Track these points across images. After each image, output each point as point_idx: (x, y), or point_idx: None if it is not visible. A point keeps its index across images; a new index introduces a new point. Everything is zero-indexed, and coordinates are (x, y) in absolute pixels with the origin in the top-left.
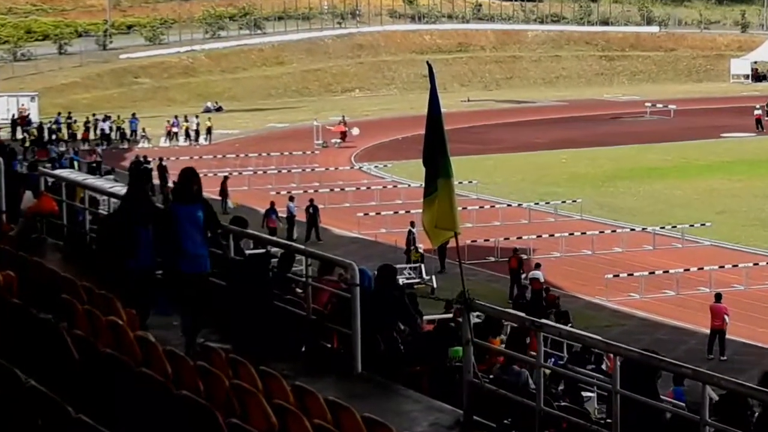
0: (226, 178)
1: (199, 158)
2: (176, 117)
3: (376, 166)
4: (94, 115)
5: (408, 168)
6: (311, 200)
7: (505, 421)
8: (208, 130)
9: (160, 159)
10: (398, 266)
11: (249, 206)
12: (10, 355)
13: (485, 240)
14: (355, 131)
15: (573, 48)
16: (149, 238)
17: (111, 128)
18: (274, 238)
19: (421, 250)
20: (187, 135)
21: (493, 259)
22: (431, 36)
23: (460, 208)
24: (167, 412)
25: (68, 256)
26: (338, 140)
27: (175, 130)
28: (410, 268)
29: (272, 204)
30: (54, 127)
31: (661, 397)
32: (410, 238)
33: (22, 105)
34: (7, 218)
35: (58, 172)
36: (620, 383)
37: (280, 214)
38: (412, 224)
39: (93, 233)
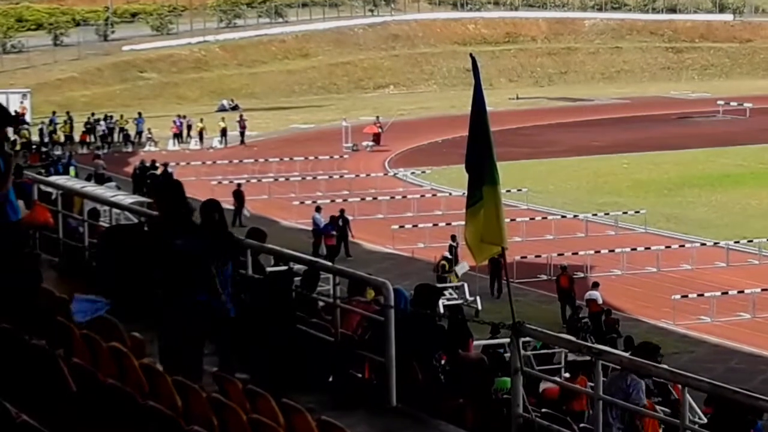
0: (239, 185)
1: (213, 163)
2: (179, 116)
3: (412, 173)
4: (93, 114)
5: (449, 174)
6: (341, 211)
7: None
8: (223, 132)
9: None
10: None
11: (269, 217)
12: (0, 387)
13: (536, 256)
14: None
15: (636, 39)
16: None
17: (113, 129)
18: (298, 254)
19: (464, 269)
20: (200, 137)
21: (545, 277)
22: (475, 25)
23: (507, 220)
24: None
25: (64, 274)
26: (370, 143)
27: (177, 130)
28: (453, 287)
29: (333, 218)
30: (49, 128)
31: None
32: (452, 255)
33: (22, 104)
34: None
35: (53, 179)
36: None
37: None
38: (453, 238)
39: (93, 248)
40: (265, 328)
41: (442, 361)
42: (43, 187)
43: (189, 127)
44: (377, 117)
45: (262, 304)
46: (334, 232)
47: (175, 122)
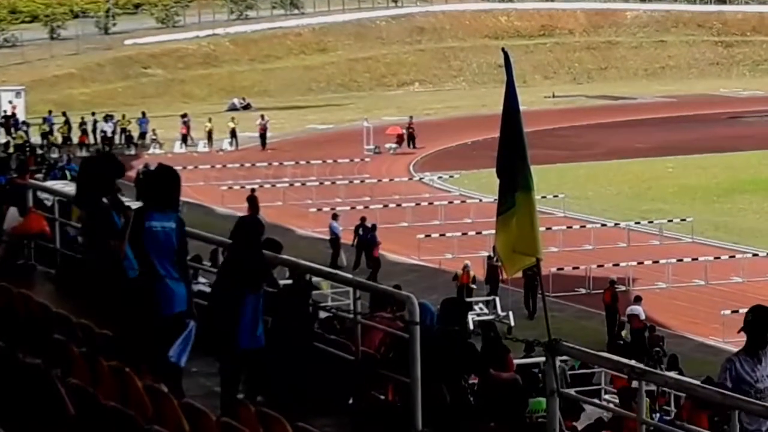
0: (253, 190)
1: (223, 167)
2: (184, 116)
3: (439, 177)
4: (93, 114)
5: (479, 179)
6: (362, 219)
7: None
8: (233, 133)
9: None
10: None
11: (283, 225)
12: None
13: (574, 268)
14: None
15: (682, 32)
16: (258, 306)
17: (114, 130)
18: (316, 266)
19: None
20: (209, 138)
21: (583, 290)
22: (508, 17)
23: (542, 229)
24: None
25: (62, 288)
26: (394, 145)
27: (185, 130)
28: (483, 302)
29: (366, 228)
30: (45, 128)
31: None
32: (491, 275)
33: (11, 103)
34: None
35: (49, 184)
36: None
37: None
38: (491, 258)
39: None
40: (280, 346)
41: (471, 382)
42: (38, 193)
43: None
44: (410, 117)
45: (277, 320)
46: (379, 241)
47: (185, 122)
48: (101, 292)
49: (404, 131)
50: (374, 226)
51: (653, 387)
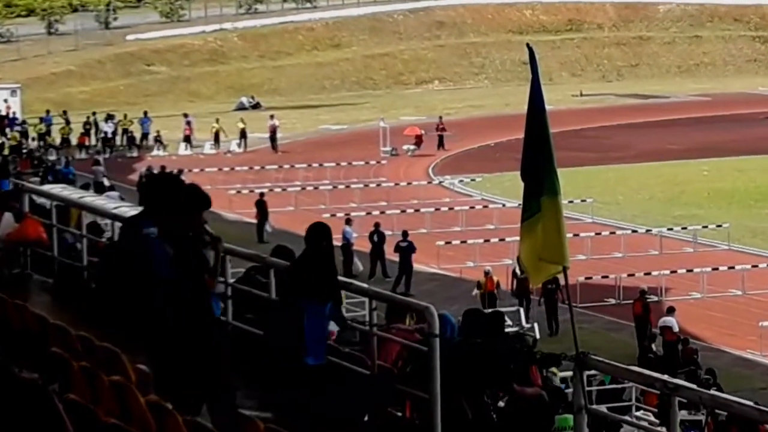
0: (262, 194)
1: (231, 170)
2: (186, 115)
3: (460, 181)
4: (94, 114)
5: (502, 182)
6: (376, 225)
7: None
8: (242, 134)
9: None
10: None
11: (295, 232)
12: None
13: (603, 277)
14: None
15: (718, 26)
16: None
17: (115, 131)
18: None
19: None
20: (216, 139)
21: (613, 301)
22: (533, 11)
23: (569, 235)
24: None
25: (60, 298)
26: (412, 146)
27: (189, 131)
28: (507, 313)
29: (405, 234)
30: (41, 129)
31: None
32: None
33: (6, 102)
34: None
35: (46, 187)
36: None
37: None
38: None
39: (93, 268)
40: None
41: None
42: (35, 198)
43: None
44: (440, 117)
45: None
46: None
47: (188, 123)
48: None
49: (422, 132)
50: (405, 233)
51: None
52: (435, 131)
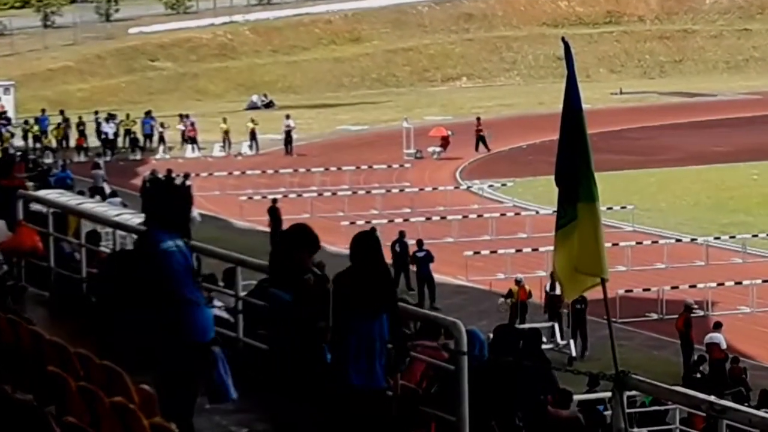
0: (275, 201)
1: (242, 174)
2: (186, 116)
3: (490, 186)
4: (96, 113)
5: (535, 187)
6: (401, 234)
7: None
8: (253, 135)
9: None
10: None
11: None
12: None
13: (644, 290)
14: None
15: None
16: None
17: (117, 132)
18: None
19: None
20: (225, 141)
21: (655, 316)
22: (569, 2)
23: (608, 245)
24: None
25: (57, 312)
26: (438, 149)
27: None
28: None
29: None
30: (37, 129)
31: None
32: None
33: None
34: None
35: (42, 193)
36: None
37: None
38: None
39: (93, 280)
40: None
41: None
42: (30, 204)
43: (183, 132)
44: (478, 118)
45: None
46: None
47: (192, 123)
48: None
49: (448, 133)
50: (421, 242)
51: None
52: (474, 132)
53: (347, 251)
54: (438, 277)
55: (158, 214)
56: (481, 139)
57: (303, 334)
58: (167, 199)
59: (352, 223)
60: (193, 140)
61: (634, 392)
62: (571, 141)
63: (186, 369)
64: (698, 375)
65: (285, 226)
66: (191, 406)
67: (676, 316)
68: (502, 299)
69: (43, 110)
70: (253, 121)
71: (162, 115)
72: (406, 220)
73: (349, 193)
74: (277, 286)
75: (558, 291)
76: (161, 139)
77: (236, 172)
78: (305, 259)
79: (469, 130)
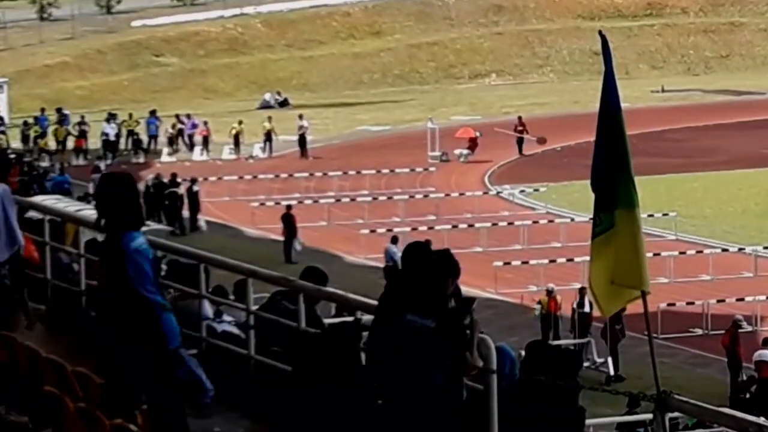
0: (289, 207)
1: (253, 178)
2: (186, 116)
3: (521, 191)
4: (109, 114)
5: (570, 193)
6: (426, 242)
7: None
8: (267, 136)
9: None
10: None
11: (328, 251)
12: None
13: (688, 303)
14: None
15: None
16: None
17: (119, 133)
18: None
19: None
20: (236, 143)
21: (700, 331)
22: None
23: (648, 255)
24: None
25: (54, 328)
26: (465, 151)
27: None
28: (573, 345)
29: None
30: (34, 130)
31: None
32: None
33: None
34: None
35: (38, 199)
36: None
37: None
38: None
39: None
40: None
41: None
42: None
43: (180, 133)
44: (519, 117)
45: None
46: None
47: (194, 124)
48: None
49: (476, 134)
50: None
51: None
52: (513, 132)
53: (367, 261)
54: (465, 289)
55: (123, 211)
56: (520, 141)
57: (445, 365)
58: (127, 194)
59: (372, 231)
60: (205, 141)
61: (676, 414)
62: (609, 143)
63: (167, 378)
64: (746, 395)
65: (300, 234)
66: (183, 419)
67: (723, 331)
68: (536, 305)
69: (43, 109)
70: (270, 120)
71: (167, 115)
72: (430, 228)
73: (370, 199)
74: (416, 313)
75: (587, 308)
76: (170, 141)
77: (248, 176)
78: (449, 286)
79: (496, 131)
